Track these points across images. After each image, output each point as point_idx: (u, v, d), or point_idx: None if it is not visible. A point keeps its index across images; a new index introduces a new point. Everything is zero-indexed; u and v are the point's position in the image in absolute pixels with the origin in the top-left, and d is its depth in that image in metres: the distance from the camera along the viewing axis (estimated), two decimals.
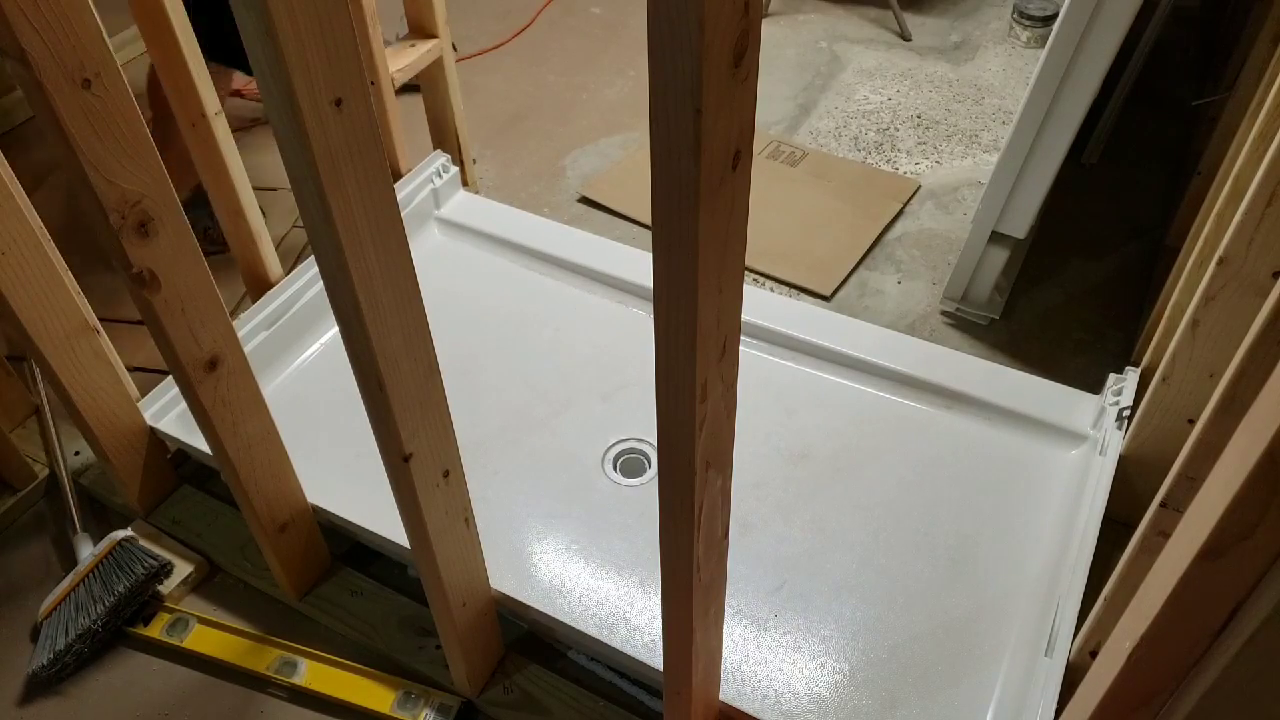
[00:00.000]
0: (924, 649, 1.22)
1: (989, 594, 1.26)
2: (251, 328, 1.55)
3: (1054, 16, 2.41)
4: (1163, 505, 1.00)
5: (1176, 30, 2.51)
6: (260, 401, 1.14)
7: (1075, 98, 1.43)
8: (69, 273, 1.23)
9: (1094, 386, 1.47)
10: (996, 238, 1.64)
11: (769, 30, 2.53)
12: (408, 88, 1.83)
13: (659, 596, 0.89)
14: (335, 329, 1.00)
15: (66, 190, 2.04)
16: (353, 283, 0.73)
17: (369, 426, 0.88)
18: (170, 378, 1.41)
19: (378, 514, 1.25)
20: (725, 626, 1.00)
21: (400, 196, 1.72)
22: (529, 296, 1.72)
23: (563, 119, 2.33)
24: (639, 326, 1.66)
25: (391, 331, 0.79)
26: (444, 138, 1.92)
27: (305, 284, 1.63)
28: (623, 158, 2.19)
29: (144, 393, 1.42)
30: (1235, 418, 0.61)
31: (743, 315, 0.69)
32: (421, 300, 0.81)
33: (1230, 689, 0.59)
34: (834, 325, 1.60)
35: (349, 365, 0.83)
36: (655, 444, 0.73)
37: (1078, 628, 1.15)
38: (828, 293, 1.82)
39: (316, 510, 1.31)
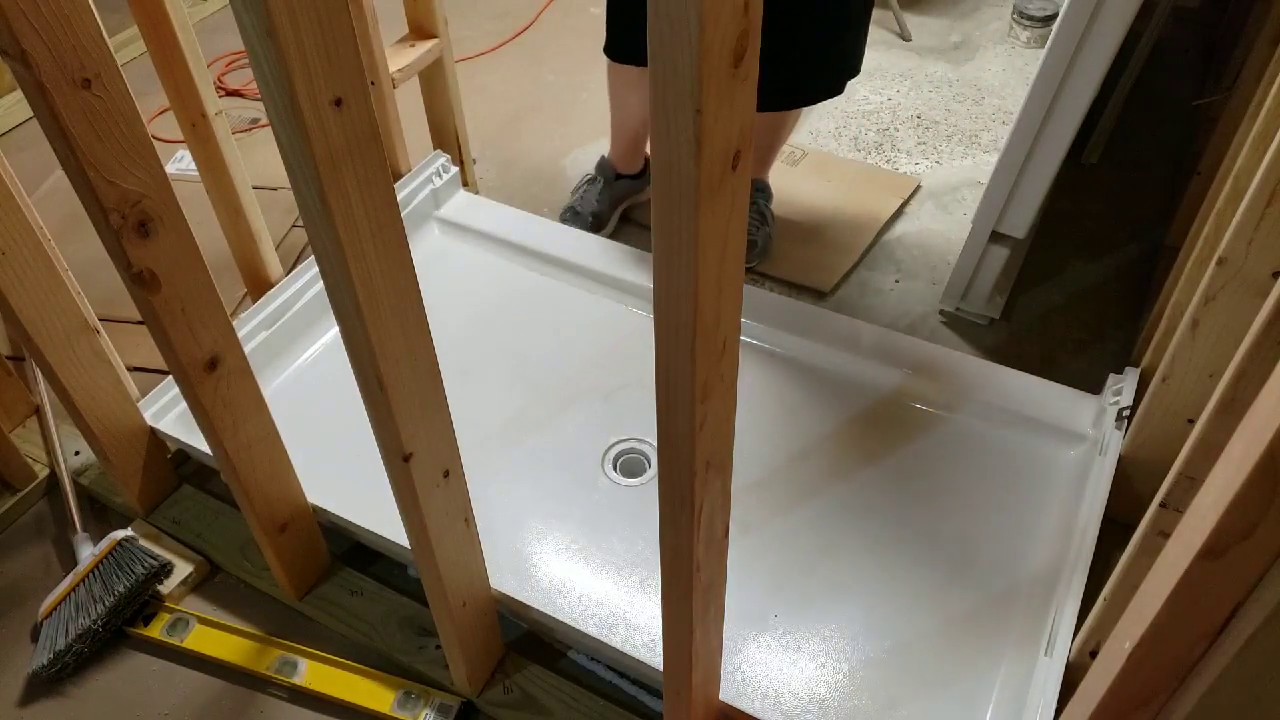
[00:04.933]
0: (923, 649, 1.22)
1: (989, 594, 1.26)
2: (251, 328, 1.55)
3: (1054, 16, 2.41)
4: (1163, 505, 1.00)
5: (1176, 30, 2.51)
6: (260, 401, 1.14)
7: (1075, 98, 1.43)
8: (69, 272, 1.23)
9: (1094, 386, 1.47)
10: (996, 238, 1.64)
11: None
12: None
13: (659, 596, 0.89)
14: (335, 329, 1.00)
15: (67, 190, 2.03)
16: (353, 283, 0.73)
17: (369, 426, 0.88)
18: (170, 378, 1.41)
19: (378, 514, 1.25)
20: (725, 626, 1.00)
21: (400, 196, 1.72)
22: (529, 296, 1.72)
23: (563, 119, 2.33)
24: (639, 326, 1.66)
25: (391, 331, 0.79)
26: (444, 138, 1.92)
27: (305, 284, 1.63)
28: None
29: (144, 393, 1.42)
30: (1235, 418, 0.61)
31: (743, 315, 0.69)
32: (421, 300, 0.81)
33: (1230, 689, 0.59)
34: (833, 325, 1.60)
35: (349, 365, 0.83)
36: (655, 444, 0.73)
37: (1078, 628, 1.15)
38: (828, 287, 1.82)
39: (316, 510, 1.31)
